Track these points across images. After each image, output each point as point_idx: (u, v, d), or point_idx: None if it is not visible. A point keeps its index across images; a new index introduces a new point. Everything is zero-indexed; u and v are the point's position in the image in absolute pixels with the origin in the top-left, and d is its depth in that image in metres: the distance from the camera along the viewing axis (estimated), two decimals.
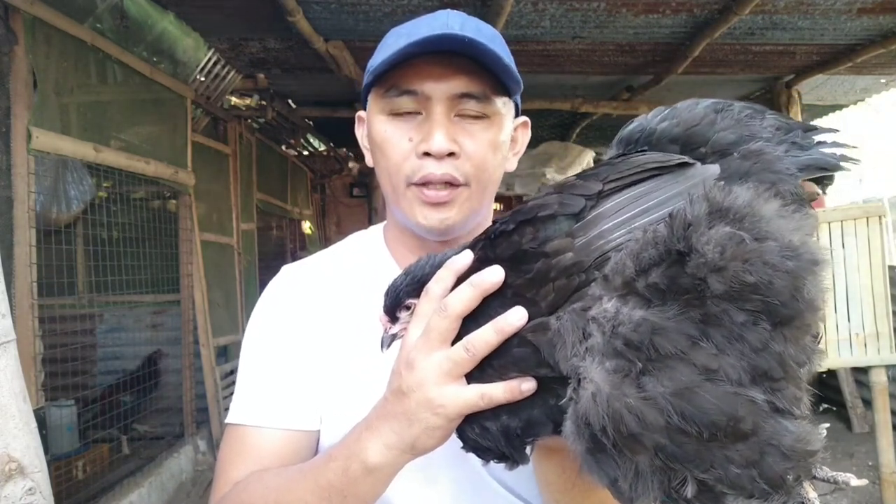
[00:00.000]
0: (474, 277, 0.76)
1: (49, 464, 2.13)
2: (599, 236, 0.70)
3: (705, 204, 0.65)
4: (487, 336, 0.74)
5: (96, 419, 4.46)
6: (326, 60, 5.15)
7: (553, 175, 7.25)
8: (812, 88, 6.66)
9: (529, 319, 0.73)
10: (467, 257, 0.80)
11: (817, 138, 0.78)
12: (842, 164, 0.76)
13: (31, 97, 3.35)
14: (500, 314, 0.74)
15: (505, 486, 1.09)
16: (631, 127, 0.86)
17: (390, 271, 1.15)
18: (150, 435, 5.12)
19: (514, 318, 0.73)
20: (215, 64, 5.48)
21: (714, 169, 0.73)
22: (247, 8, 4.32)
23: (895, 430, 3.63)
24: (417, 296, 0.85)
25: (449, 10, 1.08)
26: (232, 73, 5.74)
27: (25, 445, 1.56)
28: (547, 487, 0.94)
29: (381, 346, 0.90)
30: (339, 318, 1.13)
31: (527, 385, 0.74)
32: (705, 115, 0.80)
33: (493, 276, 0.75)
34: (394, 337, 0.89)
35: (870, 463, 4.85)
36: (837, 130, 0.78)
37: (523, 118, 1.20)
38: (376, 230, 1.26)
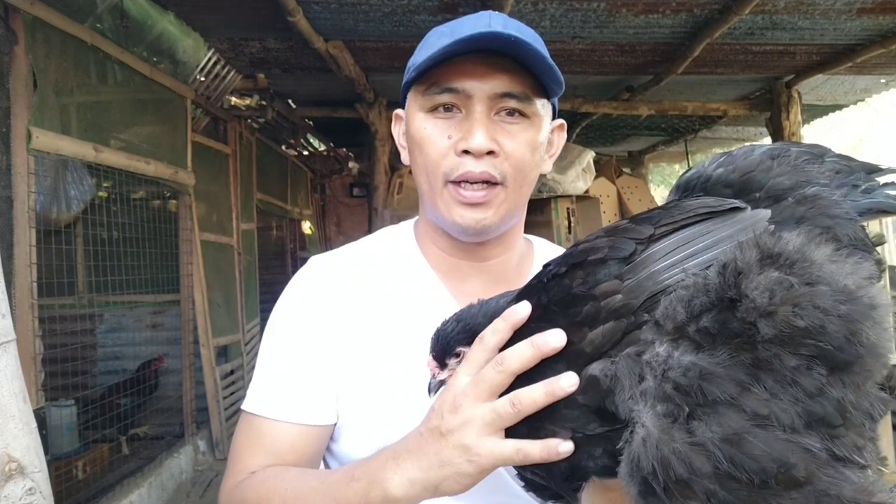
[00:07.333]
0: (537, 338, 0.76)
1: (49, 464, 2.13)
2: (648, 278, 0.71)
3: (756, 251, 0.66)
4: (536, 395, 0.74)
5: (96, 419, 4.46)
6: (326, 60, 5.15)
7: (553, 175, 7.23)
8: (812, 88, 6.66)
9: (573, 361, 0.73)
10: (526, 309, 0.79)
11: (881, 180, 0.78)
12: None
13: (31, 97, 3.34)
14: (550, 368, 0.74)
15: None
16: (689, 174, 0.87)
17: (421, 269, 1.17)
18: (150, 435, 5.11)
19: (567, 383, 0.73)
20: (215, 64, 5.47)
21: (764, 213, 0.74)
22: (247, 8, 4.32)
23: (895, 430, 3.62)
24: (468, 344, 0.85)
25: (490, 10, 1.09)
26: (232, 73, 5.74)
27: (25, 445, 1.56)
28: None
29: (429, 392, 0.90)
30: (365, 314, 1.13)
31: (564, 447, 0.74)
32: (761, 162, 0.80)
33: (556, 339, 0.75)
34: (441, 383, 0.89)
35: None
36: None
37: (560, 121, 1.21)
38: (407, 227, 1.25)
